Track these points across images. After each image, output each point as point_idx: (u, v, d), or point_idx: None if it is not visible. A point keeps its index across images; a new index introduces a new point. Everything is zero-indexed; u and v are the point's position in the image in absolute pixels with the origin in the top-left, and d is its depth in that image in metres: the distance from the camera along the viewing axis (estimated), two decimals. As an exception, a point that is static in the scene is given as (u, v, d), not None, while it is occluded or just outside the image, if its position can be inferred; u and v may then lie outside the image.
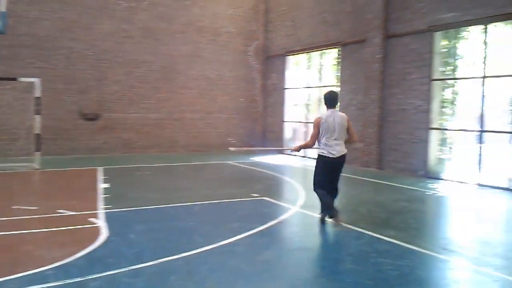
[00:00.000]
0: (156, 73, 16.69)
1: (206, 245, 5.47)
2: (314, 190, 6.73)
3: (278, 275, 4.67)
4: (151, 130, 16.71)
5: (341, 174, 6.71)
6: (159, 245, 5.53)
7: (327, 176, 6.63)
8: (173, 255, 5.10)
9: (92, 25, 15.55)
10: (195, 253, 5.21)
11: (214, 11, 17.69)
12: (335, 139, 6.48)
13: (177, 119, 17.15)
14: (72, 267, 4.70)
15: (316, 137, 6.58)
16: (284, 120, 17.73)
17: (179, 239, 5.85)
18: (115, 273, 4.53)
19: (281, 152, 17.29)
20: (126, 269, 4.65)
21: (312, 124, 6.95)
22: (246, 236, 5.96)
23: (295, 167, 13.95)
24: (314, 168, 6.78)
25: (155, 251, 5.26)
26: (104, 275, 4.46)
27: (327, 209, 6.59)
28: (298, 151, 6.85)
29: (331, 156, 6.46)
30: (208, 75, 17.67)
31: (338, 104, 6.56)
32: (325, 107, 6.73)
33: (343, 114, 6.68)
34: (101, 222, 6.59)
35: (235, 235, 5.94)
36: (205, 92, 17.66)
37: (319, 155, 6.64)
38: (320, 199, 6.67)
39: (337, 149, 6.48)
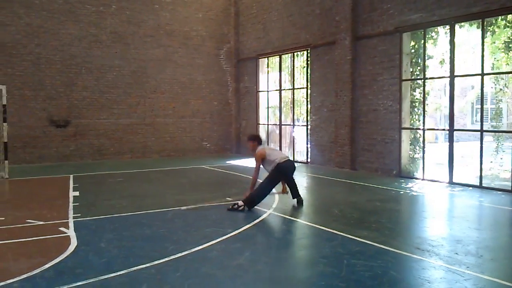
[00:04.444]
0: (127, 77, 16.48)
1: (178, 252, 5.39)
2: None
3: (251, 280, 4.63)
4: (123, 135, 16.49)
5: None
6: (129, 254, 5.42)
7: None
8: (144, 264, 5.00)
9: (59, 30, 15.25)
10: (166, 261, 5.12)
11: (184, 14, 17.58)
12: None
13: (149, 124, 16.98)
14: (39, 279, 4.57)
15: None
16: (259, 122, 17.72)
17: (150, 246, 5.73)
18: (83, 284, 4.41)
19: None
20: (96, 279, 4.54)
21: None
22: (219, 241, 5.90)
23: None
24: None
25: (126, 260, 5.15)
26: (72, 286, 4.35)
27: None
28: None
29: None
30: (180, 79, 17.56)
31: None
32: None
33: None
34: (70, 231, 6.44)
35: (208, 241, 5.87)
36: (178, 96, 17.54)
37: None
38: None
39: None
